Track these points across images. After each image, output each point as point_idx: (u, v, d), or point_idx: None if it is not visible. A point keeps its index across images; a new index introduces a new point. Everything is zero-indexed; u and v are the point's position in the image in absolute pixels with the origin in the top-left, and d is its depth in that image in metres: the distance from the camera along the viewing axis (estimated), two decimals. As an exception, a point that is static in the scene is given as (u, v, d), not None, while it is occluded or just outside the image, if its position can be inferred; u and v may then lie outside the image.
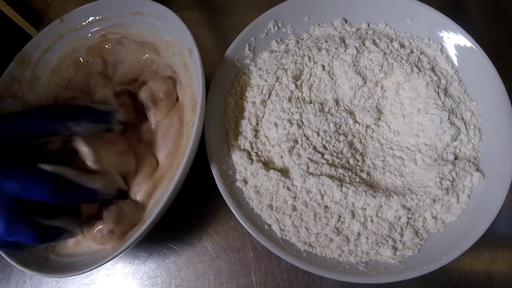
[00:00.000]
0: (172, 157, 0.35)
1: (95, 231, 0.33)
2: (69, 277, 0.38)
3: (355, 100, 0.37)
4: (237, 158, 0.35)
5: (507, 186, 0.31)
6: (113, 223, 0.33)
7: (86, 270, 0.30)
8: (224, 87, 0.39)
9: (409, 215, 0.31)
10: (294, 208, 0.33)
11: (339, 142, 0.35)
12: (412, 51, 0.38)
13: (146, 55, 0.41)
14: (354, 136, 0.36)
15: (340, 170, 0.33)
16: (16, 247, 0.32)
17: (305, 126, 0.35)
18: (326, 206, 0.32)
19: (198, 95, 0.32)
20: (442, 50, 0.38)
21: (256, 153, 0.36)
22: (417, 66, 0.37)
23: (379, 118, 0.37)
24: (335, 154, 0.34)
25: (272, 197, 0.33)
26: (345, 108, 0.37)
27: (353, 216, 0.32)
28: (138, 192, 0.34)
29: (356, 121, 0.36)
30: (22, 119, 0.30)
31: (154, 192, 0.35)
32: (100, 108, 0.34)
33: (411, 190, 0.33)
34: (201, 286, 0.36)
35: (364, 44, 0.38)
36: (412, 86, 0.36)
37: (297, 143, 0.35)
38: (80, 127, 0.32)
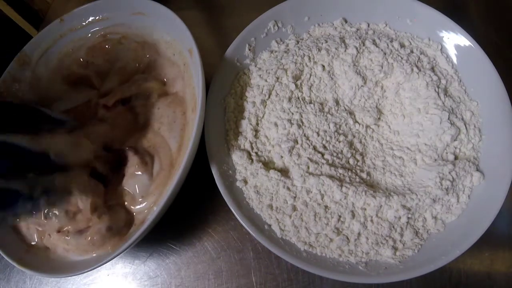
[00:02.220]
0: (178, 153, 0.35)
1: (90, 236, 0.33)
2: (69, 277, 0.38)
3: (355, 100, 0.37)
4: (237, 158, 0.35)
5: (507, 186, 0.31)
6: (109, 220, 0.33)
7: (86, 270, 0.30)
8: (224, 87, 0.39)
9: (409, 215, 0.31)
10: (294, 208, 0.33)
11: (339, 142, 0.35)
12: (412, 51, 0.38)
13: (147, 56, 0.41)
14: (354, 136, 0.36)
15: (340, 170, 0.33)
16: None
17: (305, 126, 0.35)
18: (326, 206, 0.32)
19: (198, 95, 0.32)
20: (442, 50, 0.38)
21: (256, 153, 0.36)
22: (417, 66, 0.37)
23: (379, 118, 0.37)
24: (335, 154, 0.34)
25: (272, 197, 0.33)
26: (345, 108, 0.37)
27: (353, 216, 0.32)
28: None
29: (356, 121, 0.36)
30: None
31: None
32: (55, 116, 0.33)
33: (411, 190, 0.33)
34: (201, 286, 0.36)
35: (364, 44, 0.38)
36: (412, 86, 0.36)
37: (297, 143, 0.35)
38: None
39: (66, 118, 0.33)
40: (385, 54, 0.37)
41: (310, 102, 0.37)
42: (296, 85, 0.37)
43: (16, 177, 0.29)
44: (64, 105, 0.40)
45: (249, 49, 0.40)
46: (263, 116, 0.37)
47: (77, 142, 0.33)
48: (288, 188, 0.33)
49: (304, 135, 0.35)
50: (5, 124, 0.29)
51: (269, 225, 0.33)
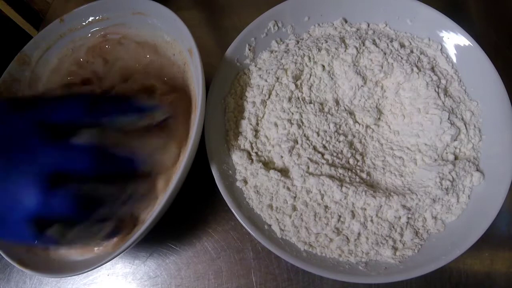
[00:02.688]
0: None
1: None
2: (69, 277, 0.38)
3: (355, 100, 0.37)
4: (237, 158, 0.35)
5: (507, 186, 0.31)
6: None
7: (86, 270, 0.30)
8: (224, 87, 0.39)
9: (409, 215, 0.31)
10: (294, 208, 0.33)
11: (339, 142, 0.35)
12: (412, 51, 0.38)
13: (147, 56, 0.41)
14: (354, 136, 0.36)
15: (340, 170, 0.33)
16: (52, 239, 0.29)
17: (305, 126, 0.35)
18: (326, 206, 0.32)
19: (198, 95, 0.32)
20: (442, 50, 0.38)
21: (256, 153, 0.36)
22: (417, 66, 0.37)
23: (379, 118, 0.37)
24: (335, 154, 0.34)
25: (272, 197, 0.33)
26: (345, 108, 0.37)
27: (353, 216, 0.32)
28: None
29: (356, 121, 0.36)
30: (66, 105, 0.29)
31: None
32: (145, 104, 0.33)
33: (411, 190, 0.33)
34: (201, 286, 0.36)
35: (364, 44, 0.38)
36: (412, 86, 0.36)
37: (297, 143, 0.35)
38: (123, 119, 0.31)
39: (156, 104, 0.33)
40: (385, 54, 0.37)
41: (310, 102, 0.37)
42: (296, 85, 0.37)
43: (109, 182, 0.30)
44: None
45: (249, 49, 0.40)
46: (263, 116, 0.37)
47: (166, 146, 0.33)
48: (288, 188, 0.33)
49: (304, 135, 0.35)
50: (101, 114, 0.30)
51: (269, 225, 0.33)
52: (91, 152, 0.28)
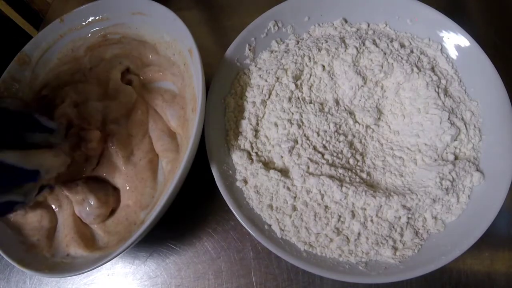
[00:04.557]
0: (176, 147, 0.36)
1: None
2: (69, 277, 0.38)
3: (355, 100, 0.37)
4: (237, 158, 0.35)
5: (507, 186, 0.31)
6: None
7: (86, 270, 0.30)
8: (224, 87, 0.39)
9: (409, 215, 0.31)
10: (294, 208, 0.33)
11: (339, 142, 0.35)
12: (412, 51, 0.38)
13: (149, 56, 0.41)
14: (354, 136, 0.36)
15: (340, 170, 0.33)
16: None
17: (305, 126, 0.35)
18: (326, 206, 0.32)
19: (198, 95, 0.32)
20: (442, 50, 0.38)
21: (256, 153, 0.36)
22: (417, 66, 0.37)
23: (379, 118, 0.37)
24: (335, 154, 0.34)
25: (272, 197, 0.33)
26: (345, 108, 0.37)
27: (353, 216, 0.32)
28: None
29: (356, 121, 0.36)
30: None
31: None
32: (45, 123, 0.34)
33: (411, 190, 0.33)
34: (201, 286, 0.36)
35: (364, 44, 0.38)
36: (412, 86, 0.36)
37: (297, 143, 0.35)
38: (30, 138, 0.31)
39: (55, 126, 0.34)
40: (385, 54, 0.37)
41: (310, 102, 0.37)
42: (296, 85, 0.37)
43: (11, 190, 0.30)
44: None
45: (249, 49, 0.40)
46: (263, 116, 0.37)
47: (58, 156, 0.33)
48: (288, 188, 0.33)
49: (304, 135, 0.35)
50: None
51: (269, 225, 0.33)
52: None
